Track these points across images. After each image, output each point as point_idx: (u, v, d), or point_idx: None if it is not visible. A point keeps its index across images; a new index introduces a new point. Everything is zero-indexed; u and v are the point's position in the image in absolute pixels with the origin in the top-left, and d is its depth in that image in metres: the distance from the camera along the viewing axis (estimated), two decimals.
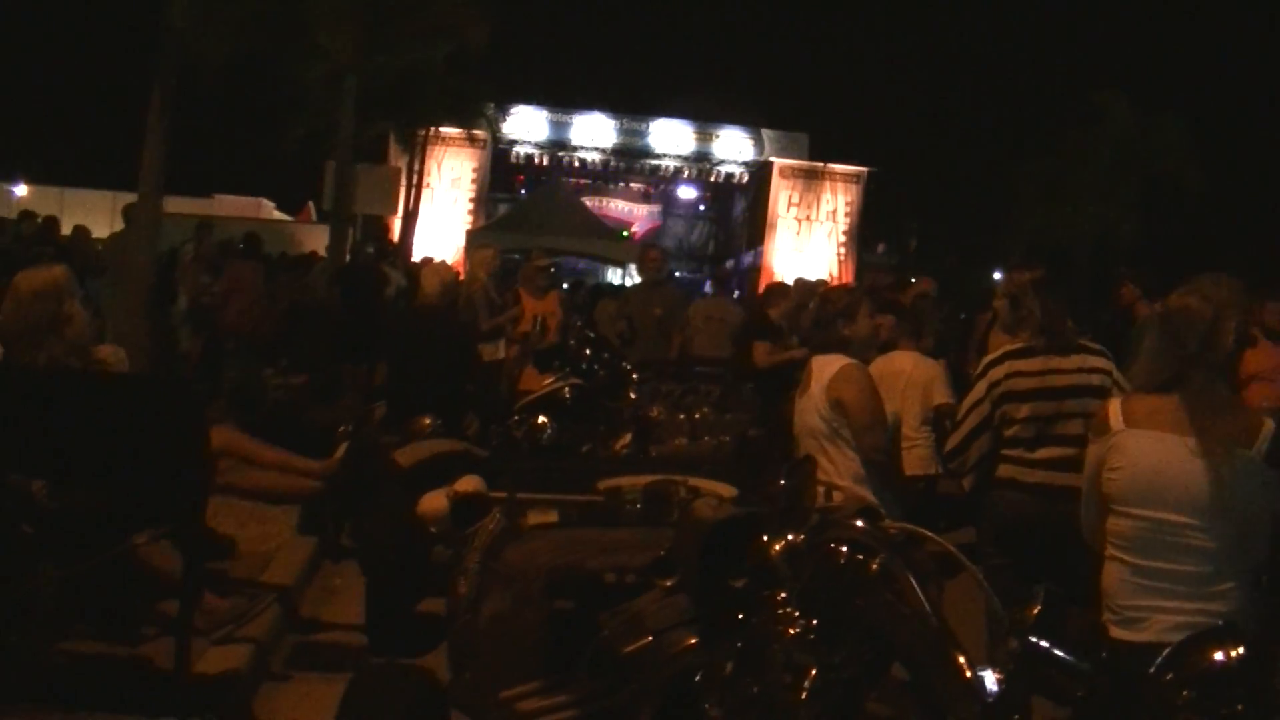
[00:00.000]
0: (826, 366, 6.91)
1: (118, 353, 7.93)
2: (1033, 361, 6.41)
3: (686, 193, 49.48)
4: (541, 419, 8.52)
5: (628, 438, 8.71)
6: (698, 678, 3.12)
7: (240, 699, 6.18)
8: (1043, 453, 6.32)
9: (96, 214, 31.05)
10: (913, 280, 16.27)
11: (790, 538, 3.03)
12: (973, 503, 6.83)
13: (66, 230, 19.05)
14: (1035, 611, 2.62)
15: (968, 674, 2.65)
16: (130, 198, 15.49)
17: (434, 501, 5.83)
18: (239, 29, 20.23)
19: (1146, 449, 4.36)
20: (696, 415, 9.10)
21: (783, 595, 2.89)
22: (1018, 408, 6.39)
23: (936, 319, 12.13)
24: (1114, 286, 13.84)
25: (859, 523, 3.01)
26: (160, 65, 13.55)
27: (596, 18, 79.56)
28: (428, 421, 8.63)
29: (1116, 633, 4.30)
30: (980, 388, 6.56)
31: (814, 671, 2.68)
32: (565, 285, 27.55)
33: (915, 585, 2.81)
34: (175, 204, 20.44)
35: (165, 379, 6.44)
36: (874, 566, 2.83)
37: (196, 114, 20.67)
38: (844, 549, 2.89)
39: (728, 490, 5.58)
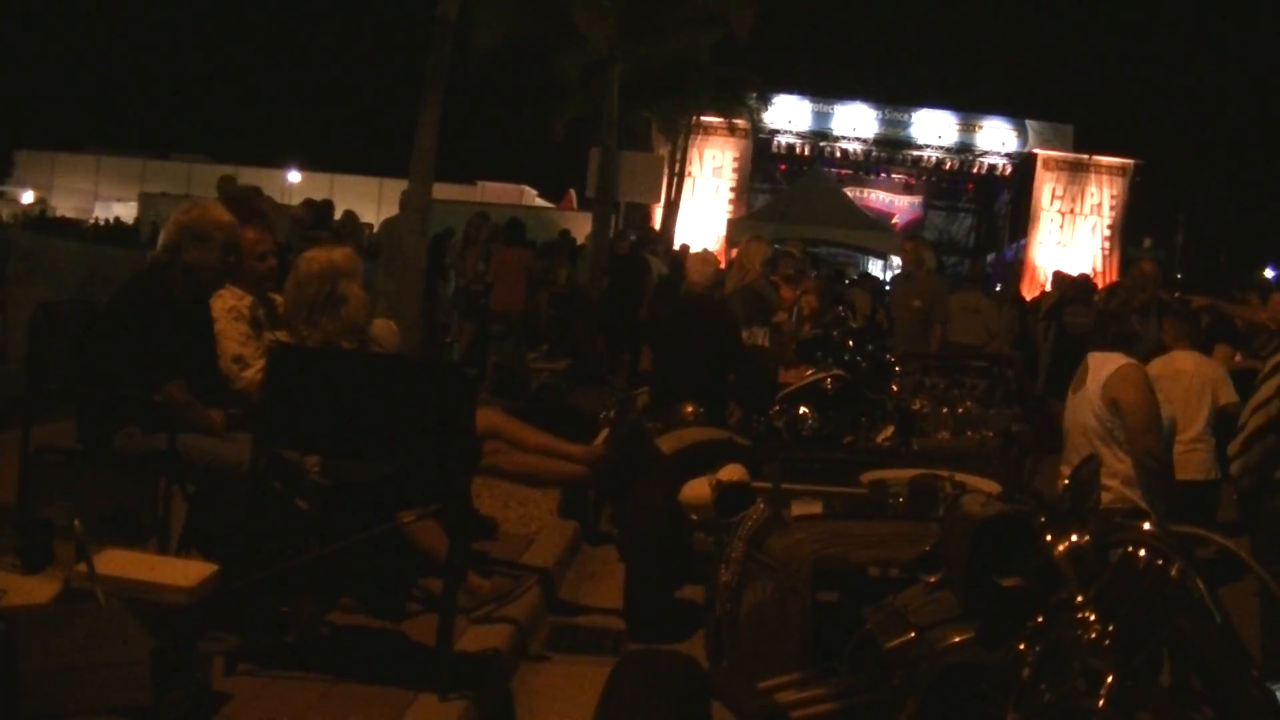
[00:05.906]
0: (1105, 364, 6.72)
1: (389, 325, 8.15)
2: None
3: (948, 184, 48.84)
4: (803, 409, 8.48)
5: (890, 430, 8.61)
6: (983, 680, 3.03)
7: (499, 677, 6.27)
8: None
9: (364, 199, 32.16)
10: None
11: (1075, 539, 2.93)
12: (1248, 507, 6.57)
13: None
14: None
15: (1261, 687, 2.54)
16: (395, 184, 15.95)
17: (697, 489, 5.85)
18: (507, 19, 20.64)
19: None
20: (960, 409, 8.96)
21: (1080, 599, 2.80)
22: None
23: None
24: None
25: (1145, 525, 2.91)
26: (433, 57, 13.87)
27: (859, 6, 79.14)
28: (691, 409, 8.66)
29: None
30: (1270, 387, 6.29)
31: (1110, 679, 2.59)
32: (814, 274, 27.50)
33: (1207, 592, 2.70)
34: (441, 190, 20.94)
35: (439, 362, 6.56)
36: (1174, 572, 2.72)
37: (462, 103, 21.18)
38: (1141, 553, 2.79)
39: (992, 486, 5.47)
